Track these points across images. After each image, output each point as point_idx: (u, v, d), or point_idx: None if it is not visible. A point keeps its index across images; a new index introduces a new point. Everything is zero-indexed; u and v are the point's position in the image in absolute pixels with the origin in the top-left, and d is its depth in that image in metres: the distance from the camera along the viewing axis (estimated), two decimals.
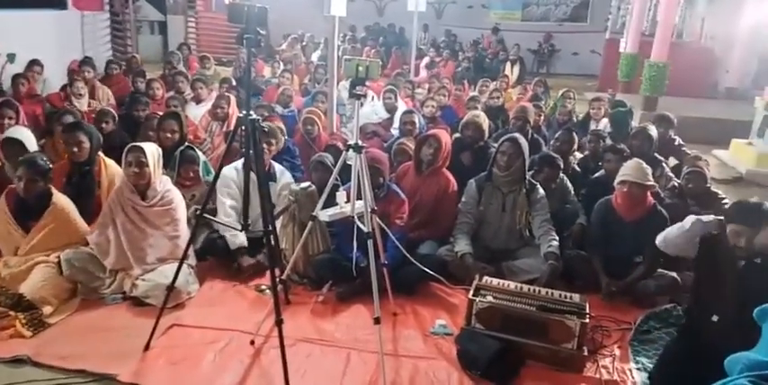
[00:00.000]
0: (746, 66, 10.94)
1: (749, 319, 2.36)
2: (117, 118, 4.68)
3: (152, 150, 3.13)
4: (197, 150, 3.87)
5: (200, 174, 3.75)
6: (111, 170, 3.49)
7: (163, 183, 3.21)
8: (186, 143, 4.02)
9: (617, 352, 2.80)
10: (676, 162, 4.80)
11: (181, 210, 3.24)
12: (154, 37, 13.78)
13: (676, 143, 5.06)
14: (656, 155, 4.33)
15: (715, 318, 2.44)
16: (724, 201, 3.87)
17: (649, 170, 3.39)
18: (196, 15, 13.89)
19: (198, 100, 5.95)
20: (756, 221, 2.34)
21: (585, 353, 2.64)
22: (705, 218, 2.51)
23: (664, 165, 4.35)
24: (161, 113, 4.44)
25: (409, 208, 3.49)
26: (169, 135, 4.00)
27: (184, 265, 2.74)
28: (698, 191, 3.88)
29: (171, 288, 2.65)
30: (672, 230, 2.70)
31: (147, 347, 2.60)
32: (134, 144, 3.16)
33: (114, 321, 2.87)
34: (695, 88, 10.41)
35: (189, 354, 2.59)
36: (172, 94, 6.06)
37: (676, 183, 4.09)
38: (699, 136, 7.06)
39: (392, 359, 2.62)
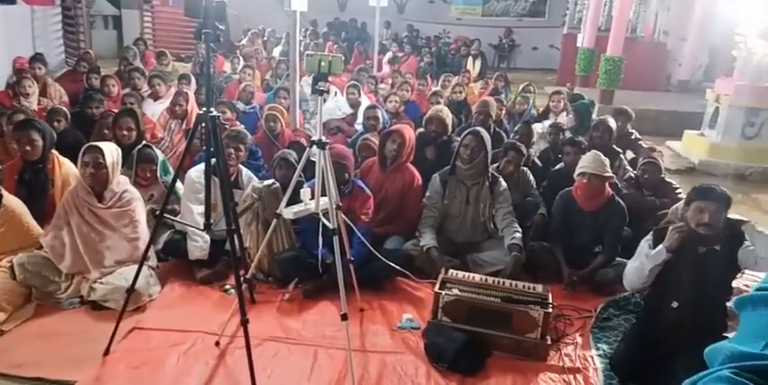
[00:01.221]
0: (697, 59, 11.34)
1: (708, 305, 2.45)
2: (70, 116, 4.52)
3: (111, 150, 3.04)
4: (155, 149, 3.76)
5: (158, 174, 3.65)
6: (66, 169, 3.37)
7: (120, 184, 3.12)
8: (144, 141, 3.92)
9: (579, 339, 2.87)
10: (633, 155, 4.95)
11: (140, 211, 3.16)
12: (108, 32, 13.35)
13: (633, 136, 5.21)
14: (614, 147, 4.45)
15: (675, 305, 2.53)
16: (678, 191, 4.01)
17: (607, 161, 3.49)
18: (152, 9, 13.52)
19: (155, 97, 5.80)
20: (716, 197, 2.45)
21: (549, 342, 2.70)
22: (654, 254, 2.58)
23: (621, 156, 4.48)
24: (116, 111, 4.31)
25: (374, 203, 3.49)
26: (126, 133, 3.89)
27: (145, 267, 2.68)
28: (653, 181, 4.02)
29: (131, 291, 2.58)
30: (629, 272, 2.72)
31: (106, 352, 2.53)
32: (92, 144, 3.06)
33: (72, 326, 2.78)
34: (649, 81, 10.74)
35: (151, 358, 2.54)
36: (128, 91, 5.88)
37: (633, 174, 4.21)
38: (653, 128, 7.32)
39: (360, 355, 2.62)
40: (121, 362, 2.50)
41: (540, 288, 2.87)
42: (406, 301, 3.17)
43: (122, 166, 3.22)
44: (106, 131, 4.22)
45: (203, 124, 2.35)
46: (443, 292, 2.77)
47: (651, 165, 4.04)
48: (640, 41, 11.91)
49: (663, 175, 4.13)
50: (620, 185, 4.01)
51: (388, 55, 11.53)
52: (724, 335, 2.45)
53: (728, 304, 2.57)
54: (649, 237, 2.67)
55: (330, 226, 2.53)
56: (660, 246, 2.53)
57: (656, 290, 2.61)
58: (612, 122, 4.55)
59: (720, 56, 9.97)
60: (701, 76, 11.26)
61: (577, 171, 3.46)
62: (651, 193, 4.00)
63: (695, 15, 11.03)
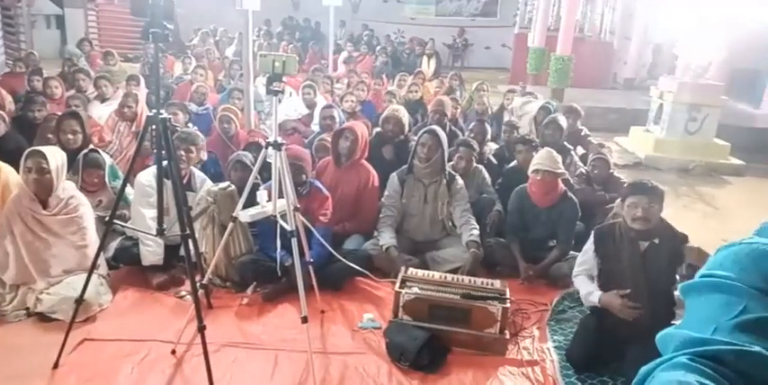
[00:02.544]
0: (642, 58, 11.80)
1: (655, 295, 2.55)
2: (10, 120, 4.31)
3: (54, 155, 2.91)
4: (102, 153, 3.63)
5: (106, 179, 3.52)
6: (6, 174, 3.20)
7: (66, 190, 2.99)
8: (91, 145, 3.77)
9: (536, 332, 2.94)
10: (583, 151, 5.10)
11: (88, 218, 3.04)
12: (51, 32, 12.78)
13: (583, 133, 5.38)
14: (565, 143, 4.57)
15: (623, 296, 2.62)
16: (625, 185, 4.16)
17: (560, 158, 3.58)
18: (97, 8, 13.04)
19: (102, 98, 5.60)
20: (650, 192, 2.55)
21: (507, 337, 2.76)
22: (590, 297, 2.67)
23: (572, 153, 4.60)
24: (60, 114, 4.14)
25: (332, 202, 3.48)
26: (70, 136, 3.74)
27: (94, 276, 2.58)
28: (603, 176, 4.17)
29: (80, 301, 2.48)
30: (577, 286, 2.83)
31: (56, 365, 2.42)
32: (34, 148, 2.92)
33: (18, 339, 2.65)
34: (597, 80, 11.10)
35: (103, 370, 2.44)
36: (72, 93, 5.66)
37: (584, 170, 4.34)
38: (601, 124, 7.56)
39: (321, 357, 2.61)
40: (71, 375, 2.40)
41: (498, 283, 2.92)
42: (366, 301, 3.17)
43: (68, 171, 3.10)
44: (50, 135, 4.05)
45: (153, 126, 2.28)
46: (404, 291, 2.79)
47: (600, 161, 4.18)
48: (588, 41, 12.28)
49: (611, 171, 4.28)
50: (571, 181, 4.13)
51: (344, 55, 11.50)
52: (672, 322, 2.56)
53: (675, 292, 2.68)
54: (591, 241, 2.75)
55: (288, 228, 2.51)
56: (595, 296, 2.62)
57: (604, 284, 2.70)
58: (563, 121, 4.68)
59: (663, 54, 10.41)
60: (645, 74, 11.72)
61: (531, 168, 3.54)
62: (601, 188, 4.13)
63: (639, 15, 11.45)
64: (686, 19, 6.54)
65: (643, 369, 0.56)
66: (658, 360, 0.56)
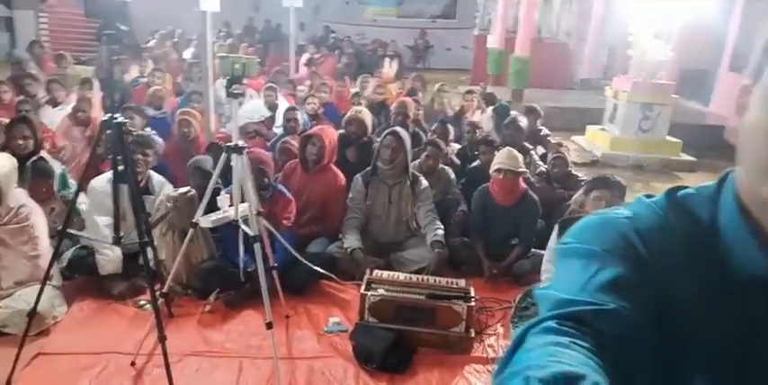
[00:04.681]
0: (597, 59, 12.11)
1: None
2: None
3: (2, 162, 2.79)
4: (52, 161, 3.49)
5: (56, 188, 3.39)
6: None
7: (17, 198, 2.88)
8: (42, 152, 3.63)
9: (500, 330, 2.98)
10: (543, 150, 5.20)
11: (40, 227, 2.92)
12: None
13: (542, 133, 5.48)
14: (525, 143, 4.66)
15: None
16: (583, 183, 4.26)
17: (521, 157, 3.64)
18: (48, 10, 12.58)
19: (54, 103, 5.41)
20: (613, 187, 2.66)
21: (473, 335, 2.79)
22: None
23: (532, 152, 4.69)
24: (8, 120, 3.97)
25: (298, 206, 3.45)
26: (21, 142, 3.58)
27: (48, 287, 2.49)
28: (562, 174, 4.26)
29: (33, 314, 2.39)
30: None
31: (8, 382, 2.32)
32: None
33: None
34: (554, 80, 11.33)
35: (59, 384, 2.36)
36: (23, 97, 5.44)
37: (544, 169, 4.43)
38: (559, 124, 7.73)
39: (287, 362, 2.58)
40: None
41: (462, 282, 2.95)
42: (332, 304, 3.15)
43: (20, 179, 2.98)
44: None
45: (109, 131, 2.22)
46: (369, 293, 2.78)
47: (559, 160, 4.28)
48: (545, 42, 12.54)
49: (570, 169, 4.38)
50: (532, 180, 4.21)
51: (305, 56, 11.42)
52: None
53: None
54: (555, 234, 2.81)
55: (251, 233, 2.47)
56: None
57: None
58: (524, 122, 4.77)
59: (617, 55, 10.71)
60: (600, 74, 12.04)
61: (493, 167, 3.59)
62: (560, 186, 4.22)
63: (594, 17, 11.77)
64: (637, 20, 6.75)
65: (518, 331, 0.59)
66: (532, 321, 0.59)
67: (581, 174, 4.47)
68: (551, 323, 0.57)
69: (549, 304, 0.62)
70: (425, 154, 4.03)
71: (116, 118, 2.21)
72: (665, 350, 0.61)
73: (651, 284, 0.62)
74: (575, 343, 0.54)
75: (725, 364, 0.61)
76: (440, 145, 4.12)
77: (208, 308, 3.03)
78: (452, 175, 4.19)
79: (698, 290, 0.63)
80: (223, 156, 2.60)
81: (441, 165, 4.13)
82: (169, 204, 3.18)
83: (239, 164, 2.48)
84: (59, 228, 2.45)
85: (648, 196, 0.71)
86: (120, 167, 2.36)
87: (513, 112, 5.43)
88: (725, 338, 0.62)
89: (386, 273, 3.02)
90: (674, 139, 6.91)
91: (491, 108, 5.91)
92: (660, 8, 6.48)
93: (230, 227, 2.74)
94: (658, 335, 0.60)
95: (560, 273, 0.67)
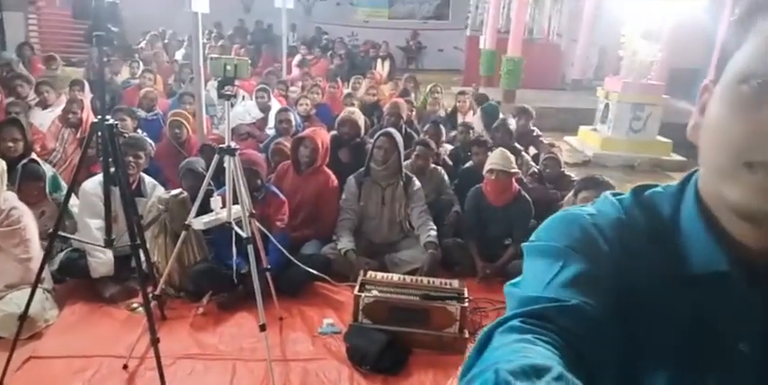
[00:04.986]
0: (588, 59, 12.18)
1: None
2: None
3: None
4: (43, 164, 3.46)
5: (47, 191, 3.36)
6: None
7: (7, 200, 2.85)
8: (32, 154, 3.60)
9: None
10: (535, 151, 5.22)
11: (31, 229, 2.90)
12: None
13: (535, 133, 5.50)
14: (516, 144, 4.68)
15: None
16: (578, 180, 4.29)
17: (513, 158, 3.66)
18: (38, 11, 12.49)
19: (44, 105, 5.34)
20: (601, 187, 2.68)
21: (467, 336, 2.79)
22: None
23: (524, 153, 4.71)
24: None
25: (291, 207, 3.44)
26: (11, 144, 3.54)
27: (39, 290, 2.47)
28: (554, 175, 4.28)
29: (24, 317, 2.37)
30: None
31: None
32: None
33: None
34: (546, 81, 11.39)
35: None
36: (12, 99, 5.39)
37: (536, 169, 4.45)
38: (551, 124, 7.76)
39: (281, 364, 2.57)
40: None
41: (456, 283, 2.95)
42: (326, 306, 3.15)
43: (10, 182, 2.95)
44: None
45: (99, 133, 2.21)
46: (363, 294, 2.78)
47: (552, 160, 4.30)
48: (537, 43, 12.60)
49: (562, 169, 4.40)
50: (524, 180, 4.22)
51: (298, 57, 11.41)
52: None
53: None
54: None
55: (244, 234, 2.46)
56: None
57: None
58: (512, 124, 4.81)
59: (608, 55, 10.79)
60: (591, 74, 12.11)
61: (486, 168, 3.61)
62: (553, 186, 4.24)
63: (585, 18, 11.83)
64: (628, 20, 6.79)
65: (485, 329, 0.59)
66: (500, 318, 0.59)
67: (573, 175, 4.49)
68: (516, 321, 0.57)
69: (514, 302, 0.62)
70: (415, 154, 4.04)
71: (107, 120, 2.20)
72: (626, 345, 0.61)
73: (612, 277, 0.62)
74: (540, 339, 0.54)
75: (681, 360, 0.62)
76: (429, 144, 4.12)
77: (200, 310, 3.01)
78: (445, 176, 4.20)
79: (656, 284, 0.63)
80: (215, 157, 2.59)
81: (433, 166, 4.14)
82: (161, 206, 3.16)
83: (232, 165, 2.47)
84: (50, 230, 2.43)
85: (615, 194, 0.71)
86: (112, 169, 2.35)
87: (502, 115, 5.47)
88: (680, 333, 0.62)
89: (379, 275, 3.02)
90: (664, 139, 6.96)
91: (480, 108, 5.93)
92: (650, 8, 6.52)
93: (223, 229, 2.74)
94: (621, 330, 0.61)
95: (527, 271, 0.67)
